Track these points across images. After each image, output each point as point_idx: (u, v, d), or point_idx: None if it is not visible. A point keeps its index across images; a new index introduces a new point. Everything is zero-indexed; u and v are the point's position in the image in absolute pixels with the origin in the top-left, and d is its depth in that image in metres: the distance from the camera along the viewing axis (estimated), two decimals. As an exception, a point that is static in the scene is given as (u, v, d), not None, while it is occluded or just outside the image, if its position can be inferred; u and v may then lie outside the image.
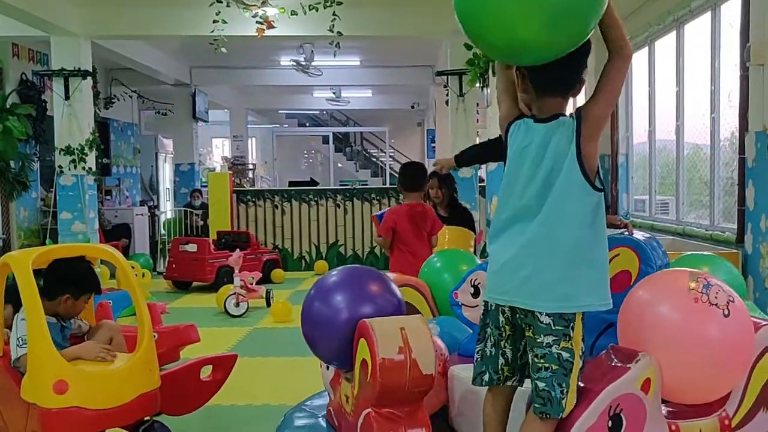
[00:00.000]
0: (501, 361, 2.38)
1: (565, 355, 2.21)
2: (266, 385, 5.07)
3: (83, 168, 8.80)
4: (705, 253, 4.68)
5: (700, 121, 6.49)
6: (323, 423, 3.23)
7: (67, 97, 8.73)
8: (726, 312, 2.26)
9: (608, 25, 2.17)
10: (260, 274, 8.79)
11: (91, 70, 9.00)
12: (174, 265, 9.58)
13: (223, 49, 7.87)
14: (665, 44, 7.32)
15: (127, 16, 8.82)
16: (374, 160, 23.31)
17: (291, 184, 13.83)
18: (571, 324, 2.22)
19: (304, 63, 12.09)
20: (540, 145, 2.25)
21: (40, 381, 2.99)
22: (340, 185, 14.80)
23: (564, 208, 2.22)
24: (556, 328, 2.21)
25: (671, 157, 7.26)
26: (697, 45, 6.51)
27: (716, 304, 2.26)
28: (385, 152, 22.17)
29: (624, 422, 2.23)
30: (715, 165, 6.10)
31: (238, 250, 8.48)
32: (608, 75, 2.21)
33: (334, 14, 7.81)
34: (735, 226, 5.54)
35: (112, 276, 8.10)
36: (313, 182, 14.41)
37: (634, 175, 8.52)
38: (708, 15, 6.19)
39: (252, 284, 8.02)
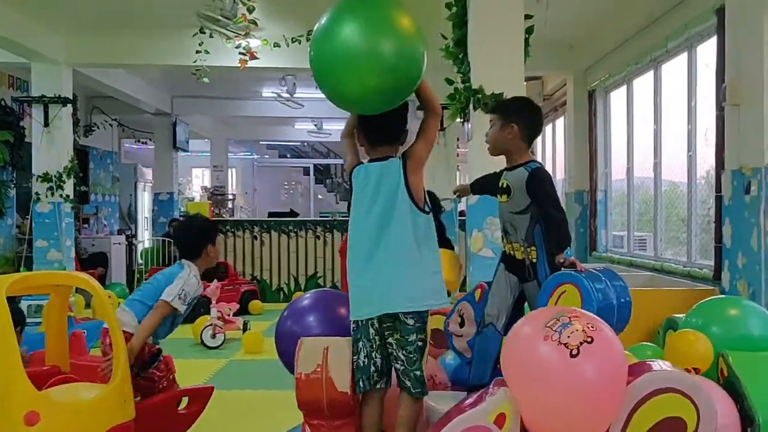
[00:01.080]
0: (372, 368, 2.88)
1: (421, 343, 2.84)
2: (242, 418, 4.99)
3: (61, 195, 8.71)
4: (733, 296, 4.61)
5: (677, 158, 6.58)
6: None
7: (46, 124, 8.66)
8: (574, 352, 2.23)
9: (421, 89, 2.89)
10: (238, 306, 8.72)
11: (71, 97, 8.94)
12: (150, 295, 9.46)
13: (206, 80, 7.89)
14: (643, 83, 7.44)
15: (109, 45, 8.81)
16: (354, 192, 23.29)
17: (271, 214, 13.78)
18: (425, 319, 2.86)
19: (286, 95, 12.13)
20: (377, 180, 2.87)
21: (10, 411, 2.92)
22: (320, 217, 14.77)
23: (400, 230, 2.81)
24: (417, 325, 2.82)
25: (649, 194, 7.34)
26: (675, 84, 6.63)
27: (565, 344, 2.24)
28: (365, 185, 22.18)
29: None
30: (692, 202, 6.18)
31: (215, 280, 8.40)
32: (424, 126, 2.94)
33: (317, 47, 7.86)
34: (712, 263, 5.59)
35: (88, 305, 7.98)
36: (292, 213, 14.37)
37: (613, 211, 8.60)
38: (684, 55, 6.32)
39: (229, 315, 7.94)
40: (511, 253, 3.19)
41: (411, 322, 2.79)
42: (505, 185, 3.19)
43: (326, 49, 2.70)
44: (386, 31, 2.65)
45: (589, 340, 2.24)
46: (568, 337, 2.25)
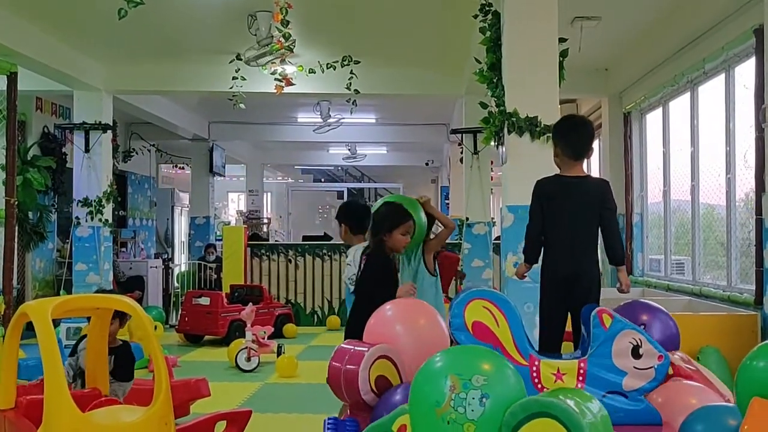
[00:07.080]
0: None
1: None
2: (277, 441, 5.00)
3: (100, 220, 8.88)
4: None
5: (715, 181, 6.49)
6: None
7: (87, 150, 8.86)
8: None
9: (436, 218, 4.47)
10: (272, 329, 8.74)
11: (111, 123, 9.15)
12: (186, 318, 9.56)
13: (242, 105, 8.01)
14: (679, 105, 7.37)
15: (148, 72, 9.03)
16: (388, 215, 23.29)
17: (305, 238, 13.85)
18: None
19: (323, 121, 12.29)
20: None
21: (53, 433, 2.97)
22: (354, 240, 14.81)
23: None
24: None
25: (685, 217, 7.24)
26: (712, 106, 6.56)
27: None
28: (398, 208, 22.19)
29: None
30: (731, 225, 6.08)
31: (250, 304, 8.46)
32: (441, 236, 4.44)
33: (351, 73, 7.97)
34: (753, 288, 5.48)
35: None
36: (326, 237, 14.42)
37: (649, 234, 8.49)
38: (722, 77, 6.25)
39: (264, 339, 7.98)
40: None
41: None
42: None
43: None
44: None
45: None
46: None
